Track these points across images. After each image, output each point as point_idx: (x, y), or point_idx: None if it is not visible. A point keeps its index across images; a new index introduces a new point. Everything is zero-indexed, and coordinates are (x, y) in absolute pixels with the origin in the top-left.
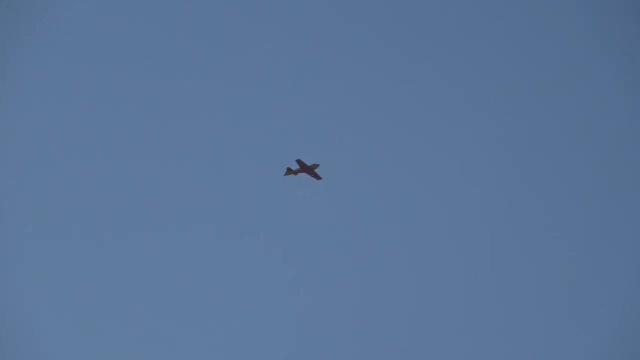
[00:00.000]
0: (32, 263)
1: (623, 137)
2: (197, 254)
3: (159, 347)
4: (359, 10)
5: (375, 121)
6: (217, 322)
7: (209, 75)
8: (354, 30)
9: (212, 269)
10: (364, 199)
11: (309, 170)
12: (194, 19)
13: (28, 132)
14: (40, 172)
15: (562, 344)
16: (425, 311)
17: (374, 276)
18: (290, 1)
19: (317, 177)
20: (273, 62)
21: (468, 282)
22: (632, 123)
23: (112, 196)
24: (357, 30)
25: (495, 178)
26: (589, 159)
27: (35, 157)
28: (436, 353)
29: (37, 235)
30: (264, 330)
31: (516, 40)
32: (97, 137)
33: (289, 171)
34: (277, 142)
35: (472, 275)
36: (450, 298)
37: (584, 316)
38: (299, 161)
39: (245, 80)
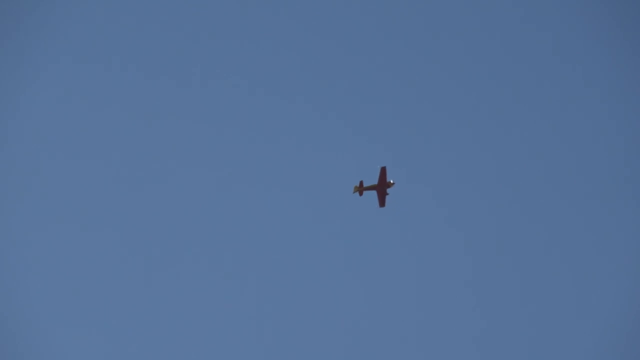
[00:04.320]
0: (32, 263)
1: (621, 137)
2: (198, 256)
3: (159, 347)
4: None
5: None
6: (217, 321)
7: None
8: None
9: (212, 271)
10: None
11: (383, 186)
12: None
13: (29, 132)
14: (41, 172)
15: (560, 344)
16: (427, 314)
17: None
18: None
19: (383, 201)
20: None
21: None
22: (630, 123)
23: (113, 196)
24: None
25: (493, 178)
26: (586, 160)
27: (35, 158)
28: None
29: (37, 235)
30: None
31: (516, 40)
32: (99, 137)
33: (360, 187)
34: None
35: (471, 276)
36: (455, 302)
37: (581, 316)
38: (383, 170)
39: (252, 81)
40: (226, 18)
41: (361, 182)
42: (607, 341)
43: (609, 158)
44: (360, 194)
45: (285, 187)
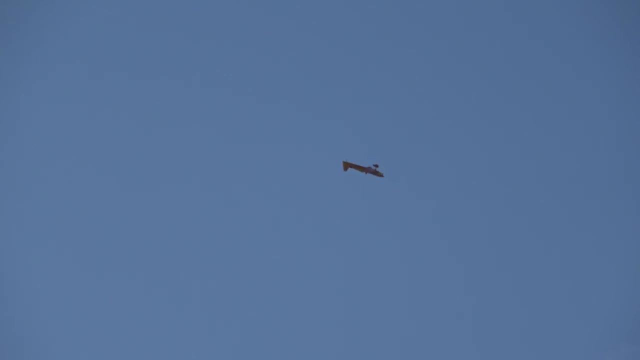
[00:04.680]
0: (32, 264)
1: (621, 137)
2: (198, 257)
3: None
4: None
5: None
6: (218, 321)
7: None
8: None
9: (211, 271)
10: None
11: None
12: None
13: (30, 135)
14: (41, 173)
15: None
16: (425, 314)
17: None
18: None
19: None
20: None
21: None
22: (628, 124)
23: (113, 197)
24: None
25: (493, 178)
26: (586, 160)
27: (36, 159)
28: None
29: (36, 235)
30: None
31: (516, 40)
32: (99, 137)
33: (348, 164)
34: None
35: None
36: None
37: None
38: (368, 168)
39: (253, 83)
40: (225, 19)
41: (347, 163)
42: (607, 341)
43: (609, 158)
44: (345, 169)
45: (283, 187)
